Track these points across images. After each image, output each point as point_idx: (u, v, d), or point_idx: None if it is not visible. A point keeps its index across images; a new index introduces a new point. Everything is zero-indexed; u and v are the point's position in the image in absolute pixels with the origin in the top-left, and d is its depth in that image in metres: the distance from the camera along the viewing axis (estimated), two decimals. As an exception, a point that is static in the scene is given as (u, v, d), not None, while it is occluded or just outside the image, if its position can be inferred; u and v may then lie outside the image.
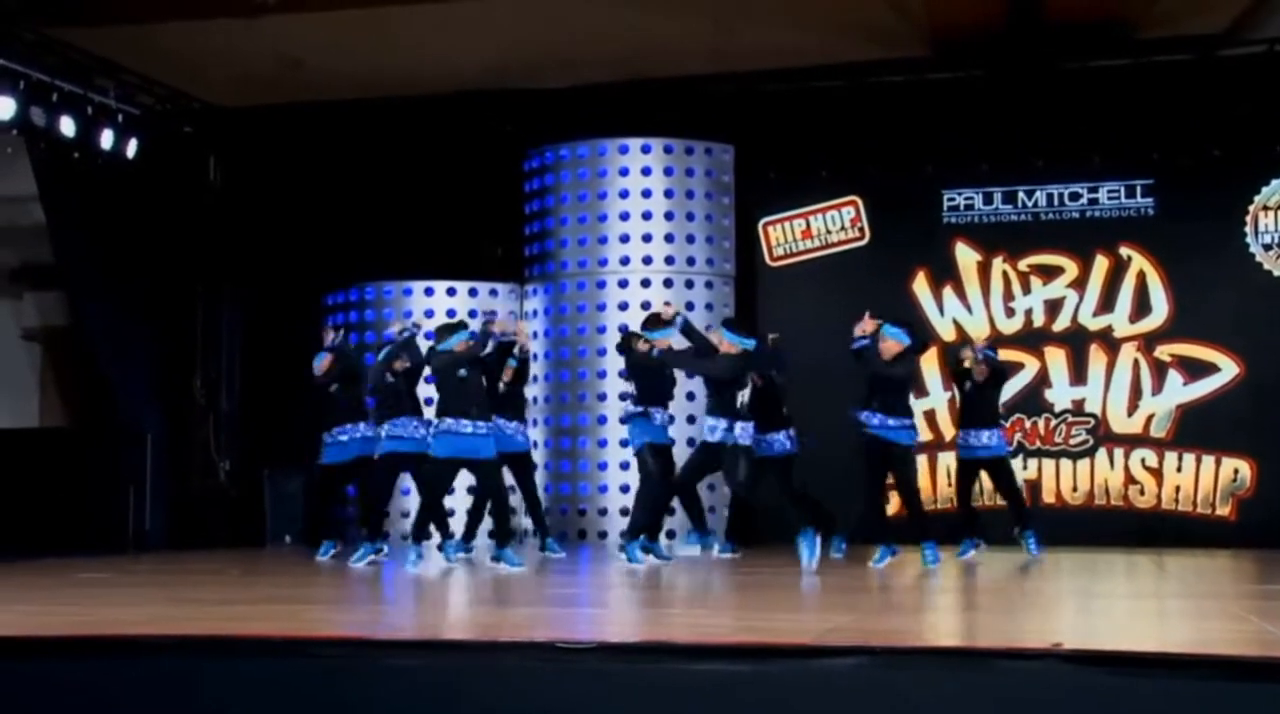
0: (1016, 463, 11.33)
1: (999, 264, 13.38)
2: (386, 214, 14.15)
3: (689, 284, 13.28)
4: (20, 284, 15.81)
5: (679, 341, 10.04)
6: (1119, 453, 13.05)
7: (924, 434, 12.33)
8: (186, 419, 14.45)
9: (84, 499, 13.35)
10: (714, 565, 9.98)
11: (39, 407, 15.81)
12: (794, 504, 10.04)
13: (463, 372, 9.66)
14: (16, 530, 12.60)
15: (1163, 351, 13.01)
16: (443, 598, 8.00)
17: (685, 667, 4.66)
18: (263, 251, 14.44)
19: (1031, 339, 13.28)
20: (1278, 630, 5.51)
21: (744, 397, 9.19)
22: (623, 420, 10.62)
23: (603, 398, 13.11)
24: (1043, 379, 13.20)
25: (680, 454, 11.06)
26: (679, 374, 10.58)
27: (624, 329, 12.83)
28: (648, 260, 13.24)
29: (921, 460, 12.76)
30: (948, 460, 12.06)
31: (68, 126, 12.37)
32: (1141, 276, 13.10)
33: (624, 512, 11.91)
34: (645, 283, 13.21)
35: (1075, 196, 13.26)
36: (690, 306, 13.15)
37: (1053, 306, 13.26)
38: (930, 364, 13.30)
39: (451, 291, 13.72)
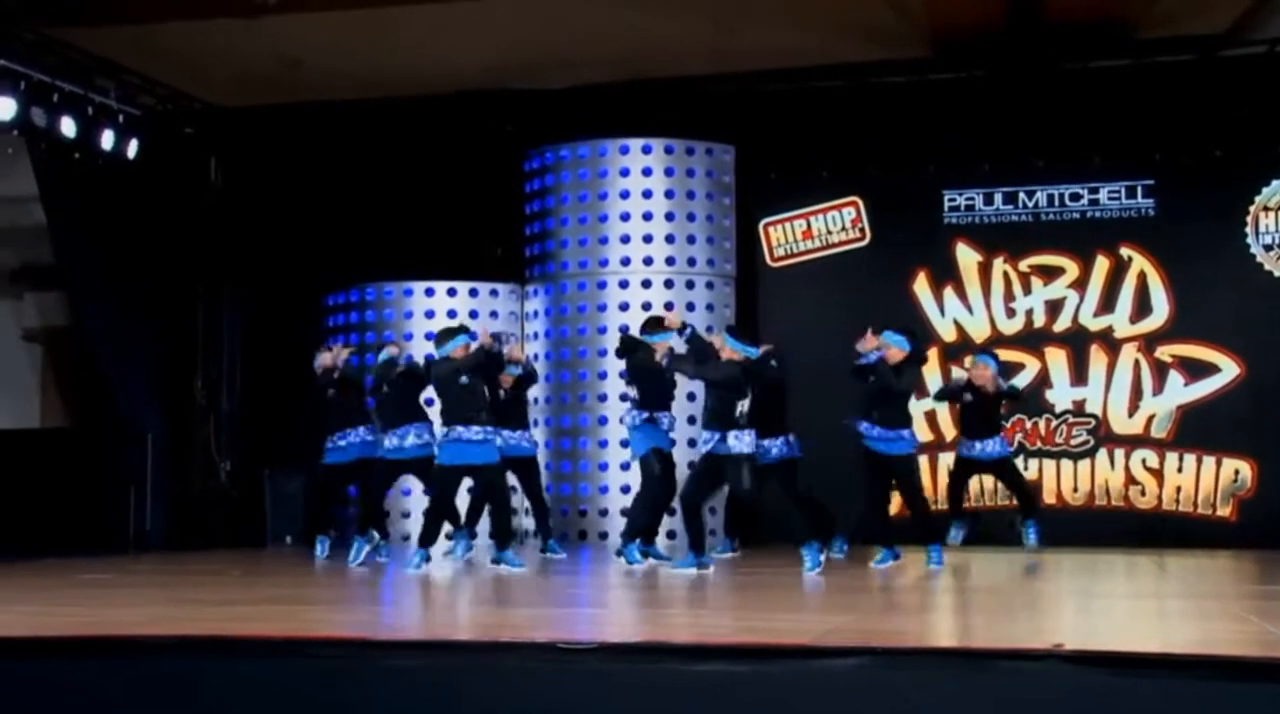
0: (1017, 463, 11.32)
1: (1000, 264, 13.38)
2: (387, 214, 14.14)
3: (689, 285, 13.28)
4: (21, 284, 15.82)
5: (678, 345, 10.03)
6: (1120, 453, 13.05)
7: (924, 435, 12.32)
8: (187, 419, 14.44)
9: (85, 499, 13.35)
10: (714, 566, 9.97)
11: (40, 407, 15.81)
12: (800, 509, 10.03)
13: (464, 379, 9.66)
14: (17, 531, 12.60)
15: (1163, 352, 13.01)
16: (443, 598, 8.01)
17: (685, 667, 4.66)
18: (263, 252, 14.44)
19: (1032, 340, 13.27)
20: (1278, 631, 5.51)
21: (744, 406, 9.17)
22: (629, 432, 10.49)
23: (603, 398, 13.11)
24: (1043, 380, 13.19)
25: (679, 455, 11.05)
26: (679, 376, 10.56)
27: (624, 330, 12.86)
28: (648, 261, 13.24)
29: (922, 461, 12.74)
30: (948, 460, 12.05)
31: (68, 127, 12.37)
32: (1142, 277, 13.10)
33: (624, 512, 11.90)
34: (646, 283, 13.21)
35: (1076, 197, 13.25)
36: (691, 307, 13.17)
37: (1053, 307, 13.26)
38: (930, 364, 13.30)
39: (452, 292, 13.71)
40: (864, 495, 10.08)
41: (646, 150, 13.31)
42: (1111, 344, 13.13)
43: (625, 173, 13.30)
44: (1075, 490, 13.08)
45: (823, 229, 13.75)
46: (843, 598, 7.64)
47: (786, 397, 10.56)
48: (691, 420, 11.61)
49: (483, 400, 9.85)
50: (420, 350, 13.26)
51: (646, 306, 13.03)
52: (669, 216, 13.28)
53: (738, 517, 11.33)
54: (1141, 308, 13.07)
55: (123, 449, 13.46)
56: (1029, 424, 13.06)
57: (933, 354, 13.30)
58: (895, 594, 8.21)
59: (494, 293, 13.85)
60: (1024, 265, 13.33)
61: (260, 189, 14.56)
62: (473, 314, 13.64)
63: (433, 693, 4.71)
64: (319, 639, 5.35)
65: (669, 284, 13.21)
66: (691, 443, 11.90)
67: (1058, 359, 13.20)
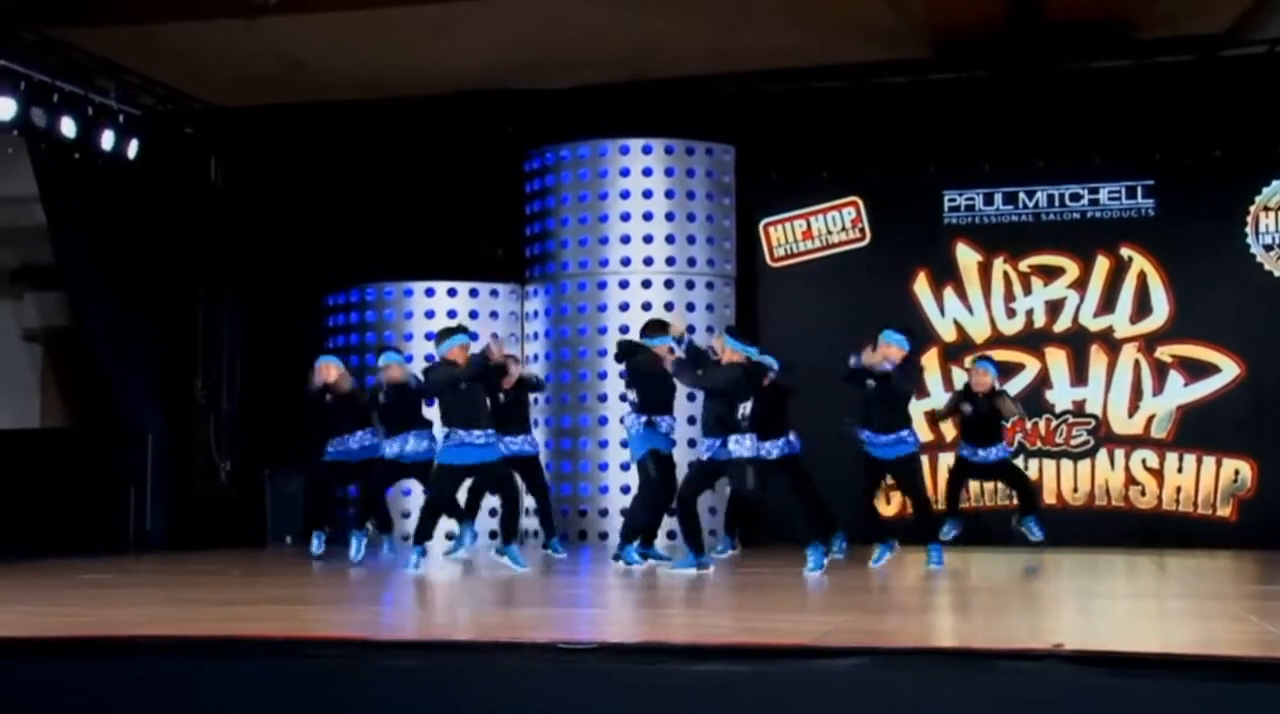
0: (1017, 463, 11.32)
1: (1000, 265, 13.38)
2: (387, 215, 14.14)
3: (689, 285, 13.28)
4: (21, 285, 15.81)
5: (678, 349, 10.02)
6: (1120, 453, 13.05)
7: (924, 435, 12.32)
8: (187, 419, 14.44)
9: (85, 500, 13.35)
10: (714, 565, 9.97)
11: (40, 407, 15.81)
12: (806, 508, 10.04)
13: (463, 385, 9.64)
14: (17, 531, 12.60)
15: (1163, 352, 13.00)
16: (442, 598, 8.01)
17: (685, 667, 4.66)
18: (264, 252, 14.44)
19: (1032, 340, 13.27)
20: (1278, 631, 5.51)
21: (745, 408, 9.17)
22: (627, 438, 10.50)
23: (603, 399, 13.11)
24: (1043, 380, 13.19)
25: (680, 455, 11.04)
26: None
27: (624, 331, 12.87)
28: (648, 261, 13.25)
29: (923, 461, 12.73)
30: (948, 459, 12.04)
31: (68, 127, 12.37)
32: (1142, 277, 13.10)
33: (624, 513, 11.90)
34: (646, 284, 13.21)
35: (1076, 197, 13.25)
36: (691, 307, 13.18)
37: (1053, 307, 13.26)
38: (931, 364, 13.31)
39: (452, 292, 13.72)
40: (859, 492, 10.16)
41: (647, 150, 13.31)
42: (1111, 344, 13.13)
43: (625, 173, 13.31)
44: (1075, 490, 13.08)
45: (823, 229, 13.75)
46: (843, 598, 7.64)
47: (788, 399, 10.57)
48: (691, 421, 11.60)
49: (483, 405, 9.85)
50: (420, 350, 13.31)
51: (646, 307, 13.04)
52: (669, 217, 13.28)
53: (738, 515, 11.35)
54: (1141, 308, 13.07)
55: (123, 449, 13.46)
56: (1029, 424, 13.06)
57: (933, 354, 13.33)
58: (895, 594, 8.21)
59: (494, 293, 13.85)
60: (1024, 265, 13.33)
61: (260, 189, 14.56)
62: (473, 314, 13.64)
63: (433, 693, 4.71)
64: (319, 639, 5.35)
65: (669, 284, 13.22)
66: (692, 443, 11.90)
67: (1058, 359, 13.20)
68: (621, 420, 10.74)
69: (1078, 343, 13.18)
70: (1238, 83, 12.72)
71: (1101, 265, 13.15)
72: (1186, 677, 4.30)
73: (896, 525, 11.40)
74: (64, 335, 15.18)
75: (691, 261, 13.33)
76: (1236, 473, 12.77)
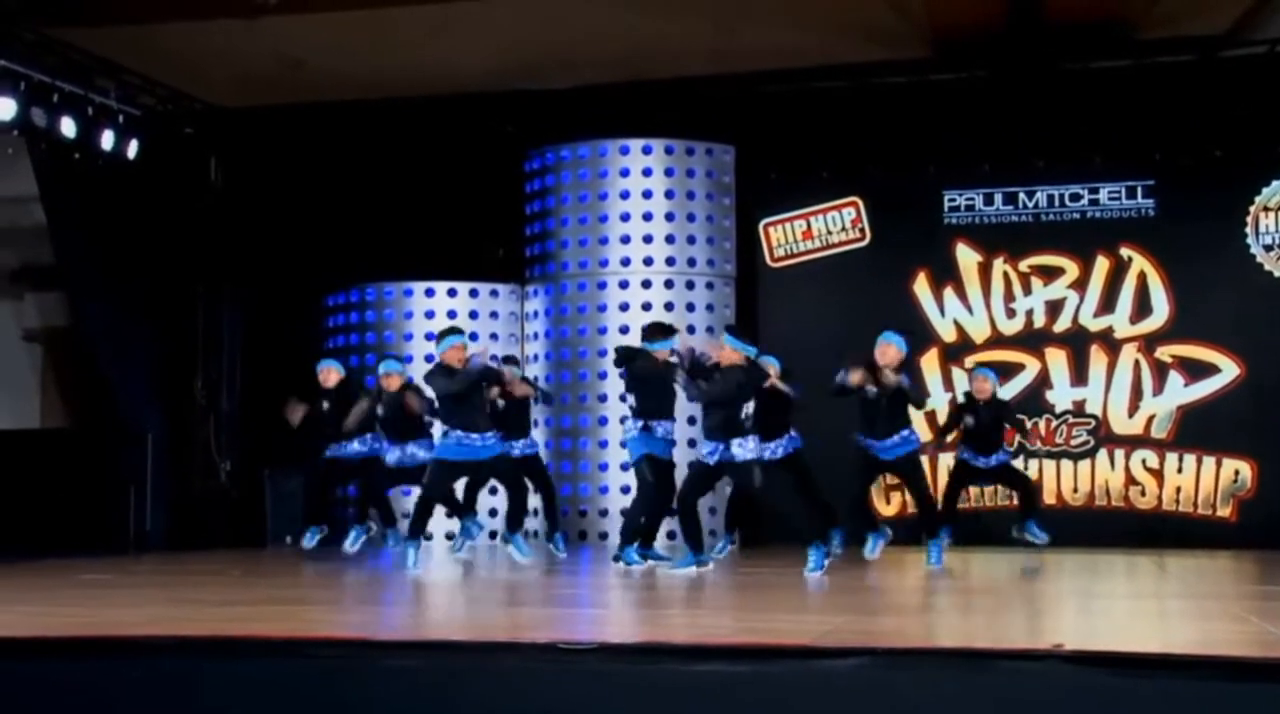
0: (1017, 463, 11.32)
1: (1000, 265, 13.38)
2: (387, 215, 14.14)
3: (689, 285, 13.28)
4: (21, 285, 15.81)
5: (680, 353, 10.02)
6: (1120, 454, 13.05)
7: (924, 434, 12.30)
8: (187, 419, 14.44)
9: (85, 500, 13.34)
10: (714, 565, 9.98)
11: (40, 407, 15.80)
12: (807, 505, 10.06)
13: (454, 390, 9.62)
14: (17, 531, 12.60)
15: (1163, 352, 13.01)
16: (443, 598, 8.01)
17: (686, 667, 4.66)
18: (264, 252, 14.44)
19: (1032, 340, 13.27)
20: (1278, 631, 5.51)
21: (748, 409, 9.17)
22: (623, 442, 10.50)
23: (603, 399, 13.11)
24: (1043, 380, 13.20)
25: (680, 455, 11.04)
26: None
27: (625, 331, 12.88)
28: (648, 261, 13.25)
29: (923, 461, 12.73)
30: (948, 459, 12.04)
31: (68, 127, 12.37)
32: (1142, 277, 13.10)
33: (624, 513, 11.91)
34: (646, 284, 13.21)
35: (1076, 197, 13.25)
36: (691, 307, 13.19)
37: (1053, 307, 13.26)
38: (931, 365, 13.32)
39: (452, 292, 13.72)
40: (853, 488, 10.21)
41: (647, 151, 13.32)
42: (1111, 344, 13.13)
43: (625, 173, 13.31)
44: (1075, 491, 13.09)
45: (823, 229, 13.75)
46: (843, 598, 7.64)
47: (791, 402, 10.59)
48: (692, 421, 11.61)
49: (482, 409, 9.84)
50: (420, 350, 13.32)
51: (646, 307, 13.05)
52: (669, 217, 13.29)
53: (739, 514, 11.36)
54: (1141, 308, 13.08)
55: (123, 449, 13.46)
56: (1029, 425, 13.05)
57: (933, 354, 13.34)
58: (895, 594, 8.21)
59: (494, 293, 13.86)
60: (1024, 266, 13.33)
61: (260, 189, 14.56)
62: (473, 314, 13.65)
63: (433, 693, 4.71)
64: (319, 639, 5.35)
65: (669, 284, 13.22)
66: (691, 443, 11.90)
67: (1058, 359, 13.20)
68: (622, 421, 10.74)
69: (1078, 343, 13.18)
70: (1238, 83, 12.73)
71: (1101, 265, 13.15)
72: (1186, 677, 4.30)
73: (897, 526, 11.38)
74: (64, 335, 15.17)
75: (691, 262, 13.33)
76: (1236, 473, 12.78)
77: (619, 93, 13.53)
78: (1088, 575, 9.50)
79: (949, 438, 11.10)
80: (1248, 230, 12.92)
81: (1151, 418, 12.99)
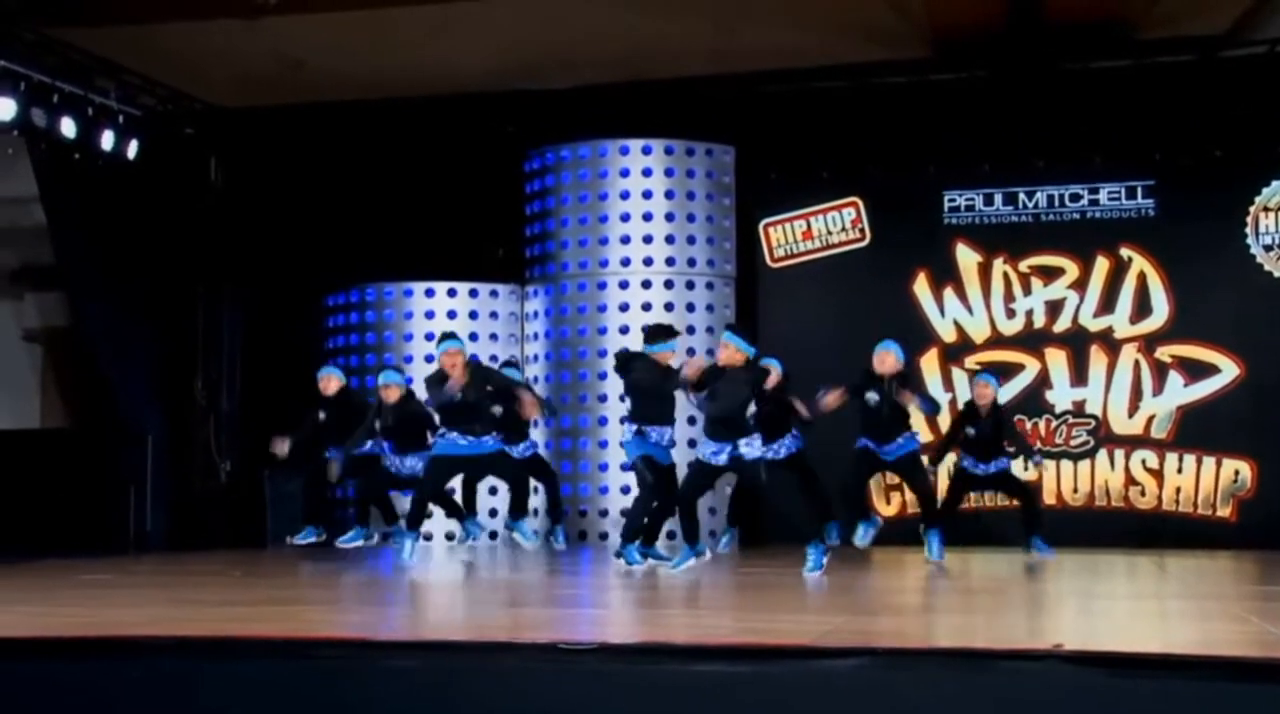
0: (1017, 464, 11.33)
1: (1000, 265, 13.38)
2: (387, 215, 14.14)
3: (689, 285, 13.28)
4: (21, 285, 15.81)
5: (679, 357, 10.03)
6: (1119, 454, 13.05)
7: (925, 435, 12.31)
8: (187, 420, 14.44)
9: (85, 500, 13.35)
10: (715, 564, 9.98)
11: (40, 407, 15.80)
12: (809, 503, 10.08)
13: (457, 396, 9.61)
14: (18, 531, 12.60)
15: (1163, 353, 13.01)
16: (443, 599, 8.00)
17: (686, 668, 4.66)
18: (264, 252, 14.44)
19: (1032, 340, 13.27)
20: (1278, 631, 5.51)
21: (752, 407, 9.18)
22: (622, 443, 10.51)
23: (603, 399, 13.11)
24: (1043, 380, 13.20)
25: (680, 455, 11.03)
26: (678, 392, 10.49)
27: (625, 331, 12.89)
28: (648, 261, 13.25)
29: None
30: (949, 460, 12.02)
31: (68, 127, 12.37)
32: (1142, 277, 13.10)
33: (624, 513, 11.91)
34: (646, 284, 13.22)
35: (1076, 197, 13.25)
36: (691, 308, 13.19)
37: (1053, 308, 13.26)
38: (931, 365, 13.32)
39: (452, 292, 13.72)
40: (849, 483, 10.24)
41: (647, 151, 13.32)
42: (1111, 345, 13.13)
43: (625, 173, 13.32)
44: (1075, 491, 13.09)
45: (823, 229, 13.75)
46: (843, 598, 7.64)
47: (792, 405, 10.62)
48: (692, 421, 11.60)
49: (481, 414, 9.81)
50: (420, 351, 13.33)
51: (647, 307, 13.06)
52: (669, 217, 13.29)
53: (740, 510, 11.39)
54: (1141, 308, 13.08)
55: (123, 449, 13.46)
56: (1029, 425, 13.06)
57: (933, 355, 13.34)
58: (895, 595, 8.21)
59: (494, 293, 13.86)
60: (1024, 266, 13.33)
61: (260, 189, 14.56)
62: (473, 315, 13.66)
63: (433, 693, 4.71)
64: (319, 640, 5.34)
65: (669, 285, 13.22)
66: (692, 444, 11.90)
67: (1058, 360, 13.20)
68: (622, 421, 10.73)
69: (1078, 343, 13.18)
70: (1238, 83, 12.73)
71: (1101, 266, 13.15)
72: (1186, 677, 4.30)
73: (897, 526, 11.39)
74: (64, 335, 15.17)
75: (691, 262, 13.33)
76: (1236, 473, 12.78)
77: (619, 93, 13.54)
78: (1088, 575, 9.50)
79: (948, 453, 11.05)
80: (1248, 230, 12.92)
81: (1151, 418, 12.99)
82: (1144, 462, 12.98)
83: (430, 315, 13.62)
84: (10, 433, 14.48)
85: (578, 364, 13.35)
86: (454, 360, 9.60)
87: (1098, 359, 13.13)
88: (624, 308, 13.17)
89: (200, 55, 12.86)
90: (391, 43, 12.52)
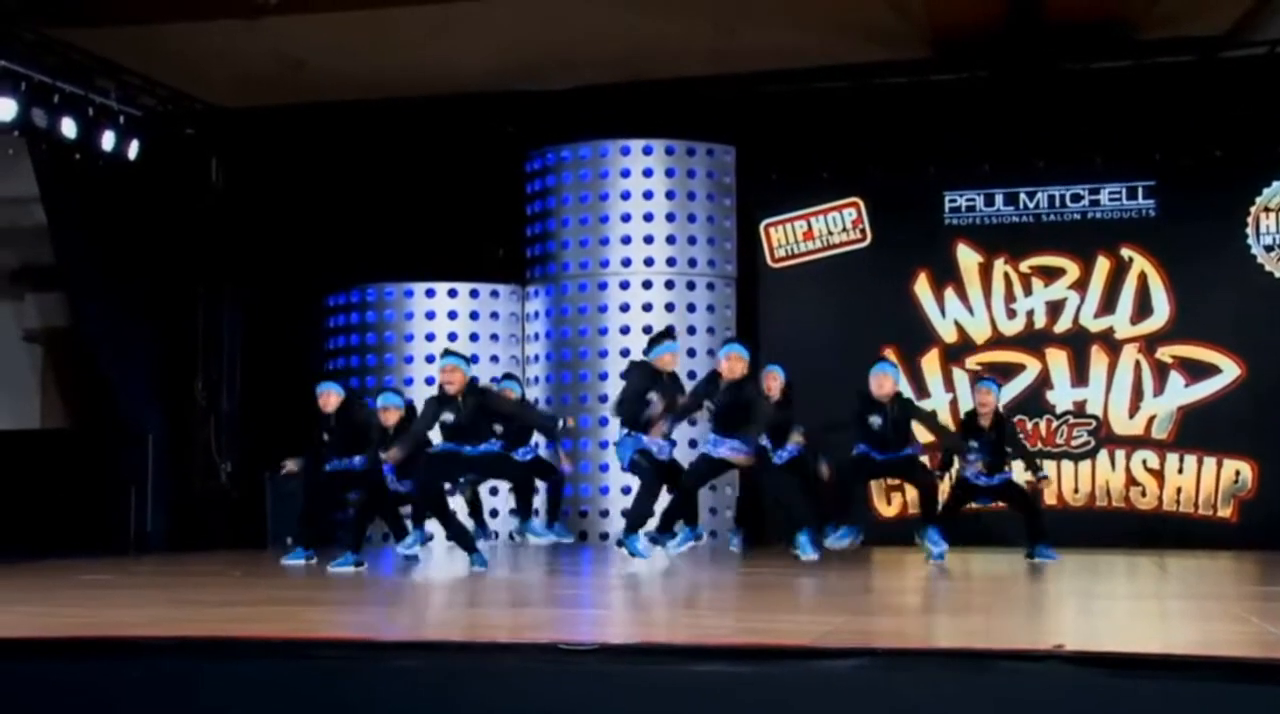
0: (1018, 465, 11.31)
1: (1000, 265, 13.38)
2: (388, 215, 14.14)
3: (690, 286, 13.29)
4: (21, 285, 15.81)
5: (679, 358, 10.10)
6: (1120, 454, 13.05)
7: (924, 435, 12.31)
8: (187, 420, 14.44)
9: (85, 500, 13.35)
10: (715, 564, 9.99)
11: (40, 408, 15.80)
12: (809, 503, 10.11)
13: (448, 416, 9.59)
14: (18, 531, 12.60)
15: (1164, 353, 13.00)
16: (444, 599, 8.00)
17: (686, 668, 4.66)
18: (264, 252, 14.44)
19: (1033, 340, 13.27)
20: (1279, 632, 5.50)
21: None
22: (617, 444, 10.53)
23: (603, 399, 13.10)
24: (1044, 380, 13.19)
25: (680, 455, 11.03)
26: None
27: (625, 331, 12.91)
28: (649, 262, 13.25)
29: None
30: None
31: (69, 128, 12.37)
32: (1143, 278, 13.10)
33: (625, 514, 11.91)
34: (646, 284, 13.22)
35: (1076, 198, 13.25)
36: (691, 308, 13.19)
37: (1054, 308, 13.26)
38: (931, 365, 13.32)
39: (453, 293, 13.72)
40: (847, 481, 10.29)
41: (647, 151, 13.32)
42: (1112, 345, 13.13)
43: (626, 174, 13.32)
44: (1076, 491, 13.08)
45: (823, 230, 13.74)
46: (843, 598, 7.64)
47: (794, 412, 10.69)
48: (692, 421, 11.60)
49: (482, 429, 9.77)
50: (420, 351, 13.32)
51: (647, 307, 13.07)
52: (670, 217, 13.29)
53: (745, 510, 11.43)
54: (1142, 309, 13.07)
55: (123, 450, 13.46)
56: (1030, 425, 13.06)
57: (933, 355, 13.34)
58: (895, 595, 8.21)
59: (494, 294, 13.86)
60: (1025, 266, 13.33)
61: (261, 190, 14.56)
62: (473, 315, 13.67)
63: (433, 694, 4.70)
64: (320, 640, 5.34)
65: (669, 285, 13.23)
66: (693, 444, 11.91)
67: (1058, 360, 13.20)
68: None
69: (1078, 343, 13.18)
70: (1238, 83, 12.73)
71: (1102, 266, 13.15)
72: (1187, 677, 4.30)
73: (897, 526, 11.39)
74: (64, 335, 15.18)
75: (692, 262, 13.34)
76: (1237, 474, 12.77)
77: (619, 93, 13.54)
78: (1088, 576, 9.49)
79: (951, 470, 11.03)
80: (1248, 231, 12.91)
81: (1152, 418, 12.99)
82: (1145, 462, 12.98)
83: (430, 315, 13.62)
84: (10, 433, 14.48)
85: (578, 364, 13.35)
86: (452, 376, 9.53)
87: (1098, 359, 13.13)
88: (624, 308, 13.18)
89: (201, 55, 12.86)
90: (392, 43, 12.53)
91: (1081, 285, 13.19)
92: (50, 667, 5.00)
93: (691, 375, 11.04)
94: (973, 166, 13.41)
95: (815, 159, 13.71)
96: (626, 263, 13.28)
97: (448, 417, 9.50)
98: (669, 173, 13.33)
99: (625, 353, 12.69)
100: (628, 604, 7.48)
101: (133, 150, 13.03)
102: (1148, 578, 9.61)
